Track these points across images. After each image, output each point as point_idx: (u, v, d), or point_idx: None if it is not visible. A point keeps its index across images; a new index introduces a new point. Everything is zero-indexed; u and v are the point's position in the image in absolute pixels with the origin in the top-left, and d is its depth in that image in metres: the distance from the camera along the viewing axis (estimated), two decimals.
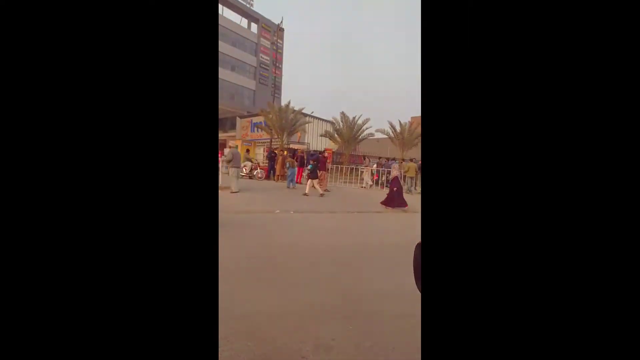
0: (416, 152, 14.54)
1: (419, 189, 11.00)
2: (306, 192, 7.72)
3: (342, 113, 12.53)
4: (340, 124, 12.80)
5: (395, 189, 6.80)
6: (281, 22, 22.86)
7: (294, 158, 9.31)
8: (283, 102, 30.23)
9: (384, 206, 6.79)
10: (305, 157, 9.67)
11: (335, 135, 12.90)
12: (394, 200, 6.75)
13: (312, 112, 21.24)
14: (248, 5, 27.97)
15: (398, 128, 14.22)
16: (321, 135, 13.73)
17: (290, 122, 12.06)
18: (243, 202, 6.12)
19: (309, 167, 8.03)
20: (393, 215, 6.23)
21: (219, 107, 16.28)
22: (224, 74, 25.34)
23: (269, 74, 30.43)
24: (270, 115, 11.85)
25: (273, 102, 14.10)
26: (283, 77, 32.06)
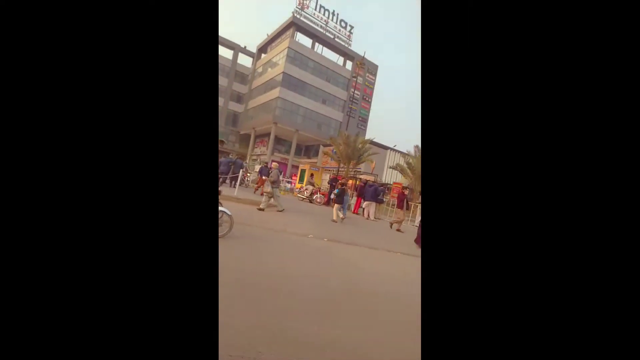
0: None
1: None
2: (333, 218, 7.18)
3: (416, 146, 11.67)
4: (414, 157, 11.87)
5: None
6: (363, 57, 23.73)
7: (346, 186, 8.96)
8: (368, 135, 30.94)
9: (417, 245, 6.07)
10: (364, 188, 9.21)
11: (407, 169, 12.01)
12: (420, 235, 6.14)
13: (395, 146, 20.60)
14: (346, 45, 30.21)
15: None
16: (390, 167, 13.03)
17: (358, 151, 11.88)
18: (282, 221, 6.09)
19: (336, 191, 7.54)
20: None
21: (306, 135, 17.49)
22: (315, 105, 27.49)
23: (358, 107, 31.52)
24: (341, 145, 11.95)
25: (344, 132, 14.24)
26: (372, 110, 32.69)
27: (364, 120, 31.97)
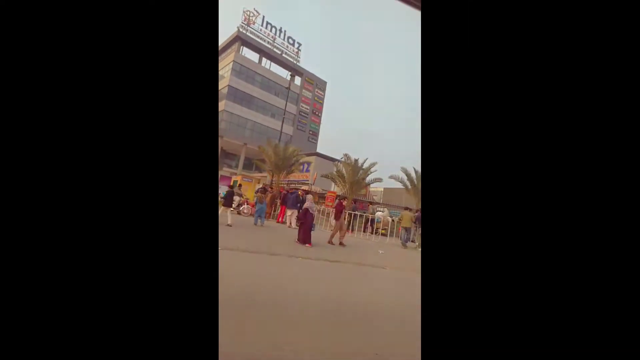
0: None
1: (417, 241, 9.40)
2: (228, 222, 6.96)
3: (346, 155, 11.99)
4: (347, 162, 12.13)
5: (301, 222, 6.29)
6: (293, 75, 24.42)
7: (263, 193, 8.82)
8: (319, 147, 31.43)
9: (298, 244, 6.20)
10: (287, 196, 9.14)
11: (337, 177, 12.23)
12: (299, 233, 6.25)
13: (342, 158, 21.05)
14: (295, 62, 30.91)
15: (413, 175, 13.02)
16: (322, 176, 13.22)
17: (288, 160, 11.88)
18: None
19: (222, 194, 7.40)
20: (322, 266, 5.15)
21: (255, 148, 16.93)
22: (263, 119, 27.40)
23: (308, 121, 32.08)
24: (272, 156, 11.86)
25: (272, 140, 14.24)
26: (322, 124, 33.45)
27: (314, 134, 32.54)
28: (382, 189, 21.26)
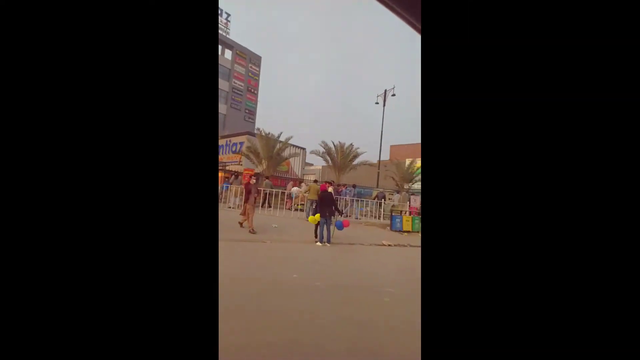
0: (352, 177, 13.19)
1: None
2: None
3: (259, 129, 11.38)
4: (262, 136, 11.48)
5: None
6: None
7: None
8: (256, 126, 30.05)
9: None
10: None
11: (249, 153, 11.60)
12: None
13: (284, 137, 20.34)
14: (224, 34, 28.49)
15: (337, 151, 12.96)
16: (233, 152, 12.51)
17: None
18: None
19: None
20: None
21: None
22: None
23: (243, 99, 30.31)
24: None
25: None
26: (259, 102, 31.92)
27: (251, 113, 31.00)
28: (321, 167, 21.23)
